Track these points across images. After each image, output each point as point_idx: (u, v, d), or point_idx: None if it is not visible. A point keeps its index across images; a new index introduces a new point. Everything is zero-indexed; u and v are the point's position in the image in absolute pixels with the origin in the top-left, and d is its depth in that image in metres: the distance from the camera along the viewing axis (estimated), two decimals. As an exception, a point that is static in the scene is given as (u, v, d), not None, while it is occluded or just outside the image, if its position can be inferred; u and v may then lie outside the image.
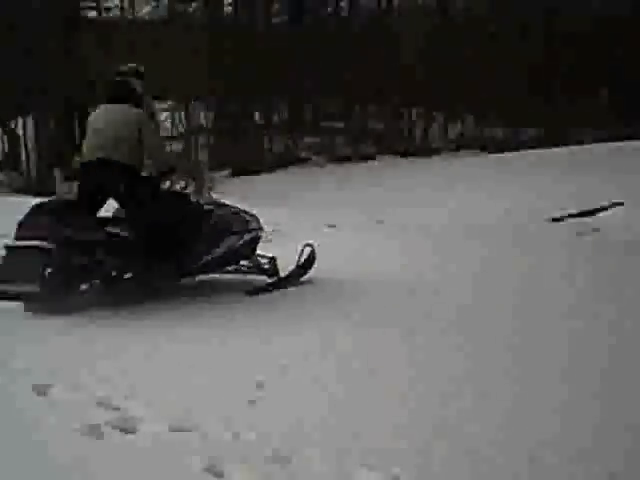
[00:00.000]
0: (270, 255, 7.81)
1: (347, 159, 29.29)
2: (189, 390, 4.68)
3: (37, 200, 7.13)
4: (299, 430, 4.08)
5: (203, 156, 26.89)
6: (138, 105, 7.02)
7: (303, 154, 29.87)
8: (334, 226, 13.24)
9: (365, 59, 29.97)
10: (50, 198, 7.41)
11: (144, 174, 6.90)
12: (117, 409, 4.39)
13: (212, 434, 4.04)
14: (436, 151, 32.19)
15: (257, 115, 31.34)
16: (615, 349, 5.68)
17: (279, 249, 8.64)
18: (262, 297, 7.24)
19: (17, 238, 6.34)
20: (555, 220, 13.65)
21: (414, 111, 34.22)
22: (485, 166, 22.76)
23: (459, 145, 33.24)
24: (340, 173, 25.59)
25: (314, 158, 29.37)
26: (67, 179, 7.89)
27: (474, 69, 32.60)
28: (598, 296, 7.58)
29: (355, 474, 3.62)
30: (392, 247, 10.81)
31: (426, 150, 31.89)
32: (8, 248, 6.32)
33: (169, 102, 29.13)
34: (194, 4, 32.86)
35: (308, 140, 30.70)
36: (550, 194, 15.47)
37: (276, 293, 7.38)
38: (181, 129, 30.60)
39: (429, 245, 11.27)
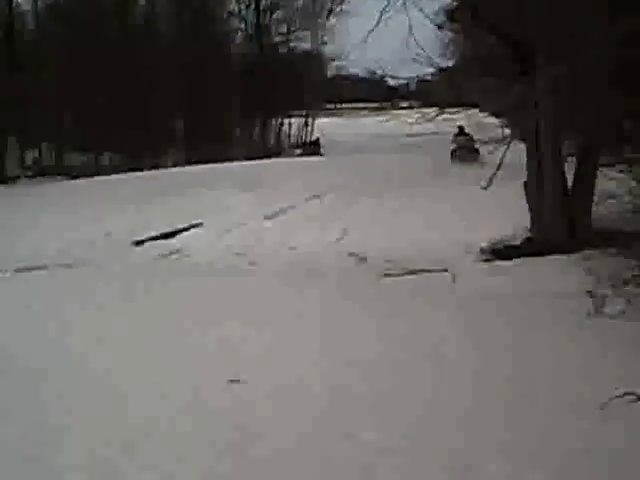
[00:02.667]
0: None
1: None
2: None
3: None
4: None
5: None
6: None
7: None
8: None
9: None
10: None
11: None
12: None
13: None
14: (13, 179, 30.77)
15: None
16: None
17: None
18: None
19: None
20: (138, 244, 13.80)
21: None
22: (64, 193, 22.36)
23: (38, 172, 32.17)
24: None
25: None
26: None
27: (49, 94, 32.02)
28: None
29: None
30: None
31: (2, 178, 30.35)
32: None
33: None
34: None
35: None
36: (131, 218, 15.64)
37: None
38: None
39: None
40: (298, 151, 36.50)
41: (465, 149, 22.08)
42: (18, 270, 11.85)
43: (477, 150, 20.73)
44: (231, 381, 6.35)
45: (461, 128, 22.58)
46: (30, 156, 34.11)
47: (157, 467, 4.90)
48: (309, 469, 4.82)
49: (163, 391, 6.25)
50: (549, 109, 10.74)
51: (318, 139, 37.18)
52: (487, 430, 5.28)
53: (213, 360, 7.07)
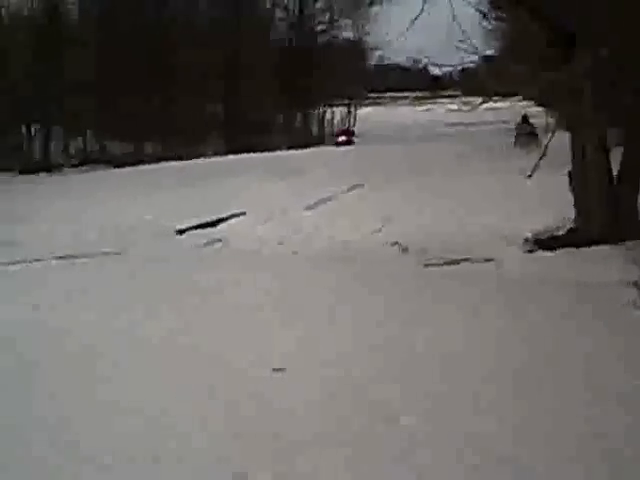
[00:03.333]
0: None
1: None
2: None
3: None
4: None
5: None
6: None
7: None
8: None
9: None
10: None
11: None
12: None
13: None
14: (57, 167, 31.18)
15: None
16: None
17: None
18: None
19: None
20: (180, 232, 13.91)
21: (32, 127, 33.02)
22: (106, 181, 22.68)
23: (81, 161, 32.60)
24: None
25: None
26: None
27: (91, 83, 32.42)
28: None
29: None
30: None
31: (46, 166, 30.75)
32: None
33: None
34: None
35: None
36: (172, 207, 15.78)
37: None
38: None
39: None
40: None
41: (527, 135, 24.58)
42: (60, 258, 11.99)
43: (537, 135, 23.27)
44: (275, 370, 6.39)
45: (525, 117, 25.70)
46: (74, 145, 34.56)
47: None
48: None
49: (206, 380, 6.35)
50: (591, 95, 10.61)
51: (349, 129, 38.25)
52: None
53: (253, 347, 7.12)
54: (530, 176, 11.10)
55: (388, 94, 65.15)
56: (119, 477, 4.68)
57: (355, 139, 36.70)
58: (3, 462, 4.87)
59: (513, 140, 24.83)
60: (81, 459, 4.88)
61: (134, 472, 4.74)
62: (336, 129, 40.76)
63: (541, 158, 10.91)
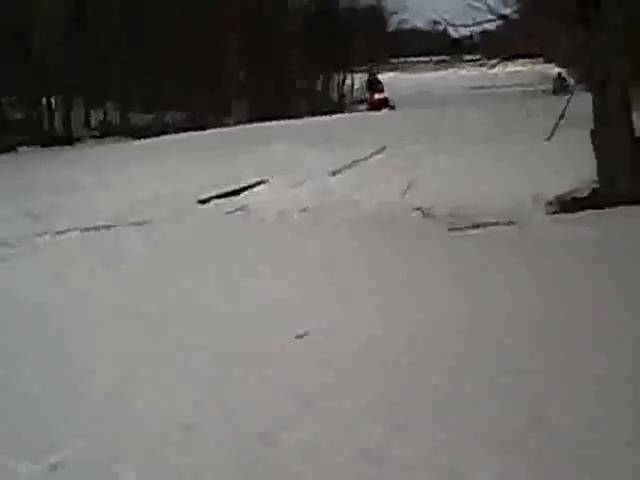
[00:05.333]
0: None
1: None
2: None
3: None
4: None
5: None
6: None
7: None
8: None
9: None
10: None
11: None
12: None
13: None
14: (78, 139, 31.27)
15: None
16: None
17: None
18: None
19: None
20: (202, 202, 13.92)
21: (52, 99, 33.11)
22: (129, 152, 22.75)
23: (103, 133, 32.68)
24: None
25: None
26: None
27: (112, 53, 32.43)
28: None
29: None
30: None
31: (68, 139, 30.86)
32: None
33: None
34: None
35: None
36: (195, 177, 15.81)
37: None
38: None
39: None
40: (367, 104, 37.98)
41: (562, 86, 31.65)
42: (85, 230, 12.08)
43: (568, 87, 29.13)
44: (298, 336, 6.45)
45: (559, 73, 33.70)
46: (95, 116, 34.60)
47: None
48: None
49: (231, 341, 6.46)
50: (614, 55, 10.51)
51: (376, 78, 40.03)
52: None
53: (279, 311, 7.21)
54: (549, 138, 11.01)
55: (409, 59, 64.69)
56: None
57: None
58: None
59: (552, 89, 31.13)
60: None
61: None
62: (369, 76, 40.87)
63: (559, 122, 10.81)
